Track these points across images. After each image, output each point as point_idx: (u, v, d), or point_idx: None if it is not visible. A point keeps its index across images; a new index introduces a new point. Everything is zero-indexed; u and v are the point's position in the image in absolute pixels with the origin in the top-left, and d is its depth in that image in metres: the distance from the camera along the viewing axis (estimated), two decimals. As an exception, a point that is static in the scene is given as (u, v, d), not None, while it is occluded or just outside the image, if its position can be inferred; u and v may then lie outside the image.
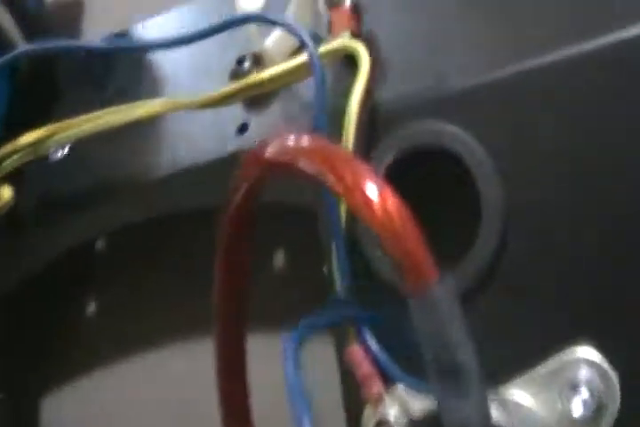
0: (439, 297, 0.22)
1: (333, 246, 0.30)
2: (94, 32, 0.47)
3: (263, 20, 0.34)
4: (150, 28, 0.43)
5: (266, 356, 0.30)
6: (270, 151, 0.26)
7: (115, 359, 0.40)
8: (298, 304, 0.36)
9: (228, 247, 0.29)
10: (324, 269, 0.31)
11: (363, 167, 0.24)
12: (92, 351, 0.40)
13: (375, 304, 0.29)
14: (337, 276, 0.29)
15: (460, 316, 0.22)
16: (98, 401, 0.40)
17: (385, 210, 0.23)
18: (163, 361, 0.39)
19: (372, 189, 0.23)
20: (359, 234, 0.30)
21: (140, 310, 0.39)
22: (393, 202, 0.23)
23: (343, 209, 0.30)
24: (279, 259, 0.36)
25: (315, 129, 0.30)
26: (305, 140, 0.26)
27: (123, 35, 0.44)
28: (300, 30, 0.32)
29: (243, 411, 0.30)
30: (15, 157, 0.37)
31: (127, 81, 0.41)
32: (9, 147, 0.37)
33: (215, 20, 0.41)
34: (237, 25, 0.35)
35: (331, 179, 0.24)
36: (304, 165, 0.25)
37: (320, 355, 0.33)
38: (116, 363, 0.40)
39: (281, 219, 0.34)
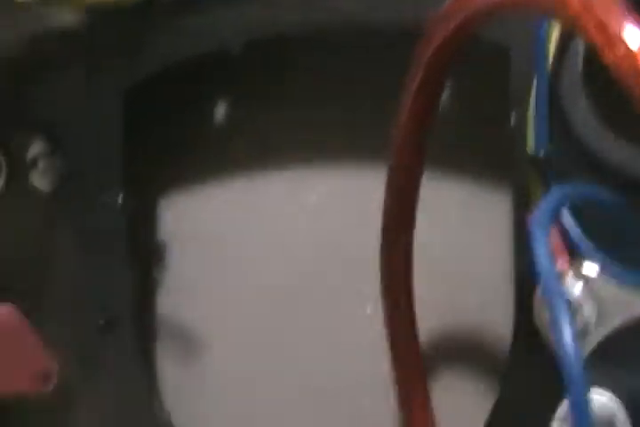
0: None
1: (532, 95, 0.27)
2: None
3: None
4: None
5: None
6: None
7: (242, 166, 0.37)
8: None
9: (424, 78, 0.26)
10: (512, 119, 0.28)
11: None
12: (218, 156, 0.38)
13: (567, 174, 0.26)
14: (531, 130, 0.26)
15: None
16: (222, 209, 0.38)
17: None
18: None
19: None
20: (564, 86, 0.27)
21: (269, 123, 0.37)
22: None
23: (552, 52, 0.27)
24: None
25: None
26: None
27: None
28: None
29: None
30: None
31: None
32: None
33: None
34: None
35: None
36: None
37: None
38: (244, 169, 0.37)
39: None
